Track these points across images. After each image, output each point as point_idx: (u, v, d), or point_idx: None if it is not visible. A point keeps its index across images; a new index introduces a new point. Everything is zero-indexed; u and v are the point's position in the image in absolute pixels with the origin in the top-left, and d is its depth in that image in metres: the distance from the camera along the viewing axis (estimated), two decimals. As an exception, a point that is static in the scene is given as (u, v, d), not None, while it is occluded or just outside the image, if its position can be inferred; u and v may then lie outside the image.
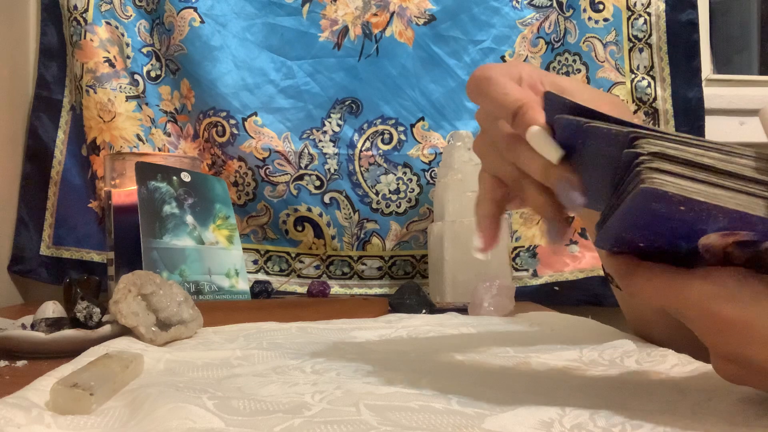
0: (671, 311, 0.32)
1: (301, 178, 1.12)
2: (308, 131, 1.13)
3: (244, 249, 1.06)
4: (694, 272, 0.30)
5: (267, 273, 1.14)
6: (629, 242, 0.32)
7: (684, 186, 0.27)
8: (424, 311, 0.79)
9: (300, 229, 1.13)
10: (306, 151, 1.12)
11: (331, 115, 1.13)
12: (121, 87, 1.12)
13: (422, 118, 1.14)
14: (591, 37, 1.19)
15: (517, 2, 1.14)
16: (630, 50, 1.19)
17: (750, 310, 0.28)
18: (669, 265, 0.31)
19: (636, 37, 1.19)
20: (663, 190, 0.26)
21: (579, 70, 1.18)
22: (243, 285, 0.93)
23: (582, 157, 0.32)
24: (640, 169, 0.27)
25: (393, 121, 1.14)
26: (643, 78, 1.19)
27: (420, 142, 1.14)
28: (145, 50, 1.14)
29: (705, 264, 0.30)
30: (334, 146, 1.13)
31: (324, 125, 1.13)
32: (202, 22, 1.10)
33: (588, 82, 1.18)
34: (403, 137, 1.14)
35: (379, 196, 1.13)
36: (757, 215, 0.26)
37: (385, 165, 1.13)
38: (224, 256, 0.93)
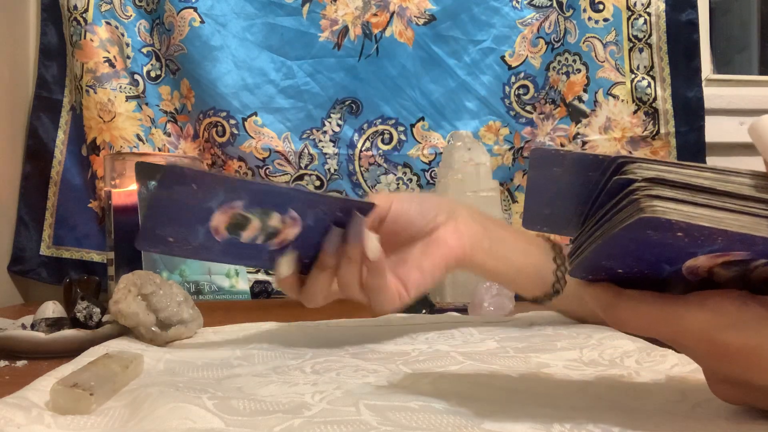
0: (662, 339, 0.31)
1: (301, 178, 1.12)
2: (308, 131, 1.13)
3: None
4: (687, 300, 0.29)
5: (267, 273, 1.14)
6: (607, 270, 0.30)
7: (686, 212, 0.26)
8: (424, 311, 0.79)
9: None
10: (306, 151, 1.12)
11: (331, 115, 1.13)
12: (121, 87, 1.12)
13: (422, 118, 1.14)
14: (591, 37, 1.19)
15: (517, 2, 1.14)
16: (630, 50, 1.19)
17: (754, 336, 0.27)
18: (653, 292, 0.30)
19: (636, 37, 1.19)
20: (665, 218, 0.25)
21: (579, 70, 1.18)
22: (243, 285, 0.93)
23: (547, 188, 0.31)
24: (637, 197, 0.26)
25: (393, 121, 1.14)
26: (643, 78, 1.19)
27: (420, 142, 1.14)
28: (145, 50, 1.14)
29: (685, 285, 0.29)
30: (334, 146, 1.13)
31: (324, 125, 1.13)
32: (202, 22, 1.10)
33: (588, 82, 1.18)
34: (403, 137, 1.14)
35: (379, 196, 1.13)
36: (761, 236, 0.26)
37: (385, 165, 1.13)
38: (224, 256, 0.93)
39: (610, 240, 0.27)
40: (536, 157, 0.31)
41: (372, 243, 0.46)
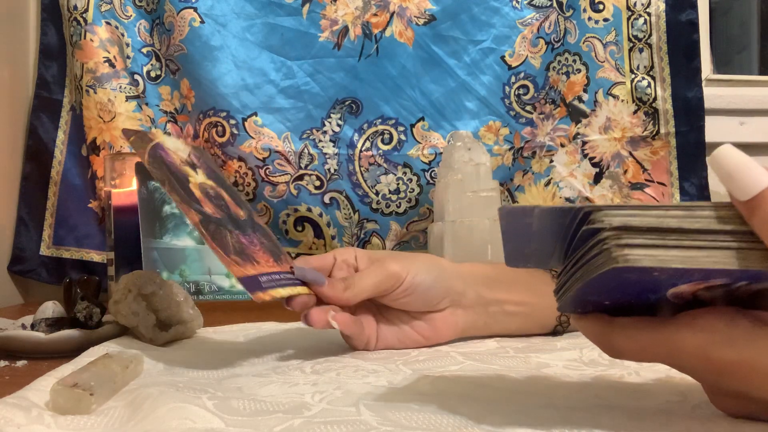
0: (659, 362, 0.31)
1: (301, 178, 1.12)
2: (308, 131, 1.13)
3: (244, 249, 1.06)
4: (678, 321, 0.29)
5: (267, 273, 1.14)
6: (594, 303, 0.31)
7: (658, 256, 0.26)
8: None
9: (300, 229, 1.13)
10: (306, 151, 1.12)
11: (331, 115, 1.13)
12: (121, 87, 1.12)
13: (422, 118, 1.14)
14: (591, 37, 1.19)
15: (517, 2, 1.14)
16: (630, 50, 1.19)
17: (747, 350, 0.27)
18: (644, 317, 0.30)
19: (636, 37, 1.19)
20: (638, 266, 0.26)
21: (579, 70, 1.18)
22: (243, 285, 0.93)
23: (523, 233, 0.32)
24: (607, 246, 0.27)
25: (393, 121, 1.14)
26: (643, 78, 1.19)
27: (420, 142, 1.14)
28: (145, 50, 1.14)
29: (674, 306, 0.30)
30: (334, 146, 1.13)
31: (324, 125, 1.13)
32: (202, 22, 1.10)
33: (588, 82, 1.18)
34: (403, 137, 1.14)
35: (379, 196, 1.13)
36: (735, 268, 0.26)
37: (385, 165, 1.13)
38: (224, 256, 0.93)
39: (590, 282, 0.28)
40: (504, 213, 0.31)
41: None
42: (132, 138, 0.56)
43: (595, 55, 1.19)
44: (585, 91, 1.18)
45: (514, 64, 1.14)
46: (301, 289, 0.50)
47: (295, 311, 0.50)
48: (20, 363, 0.50)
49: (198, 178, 0.55)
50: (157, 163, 0.52)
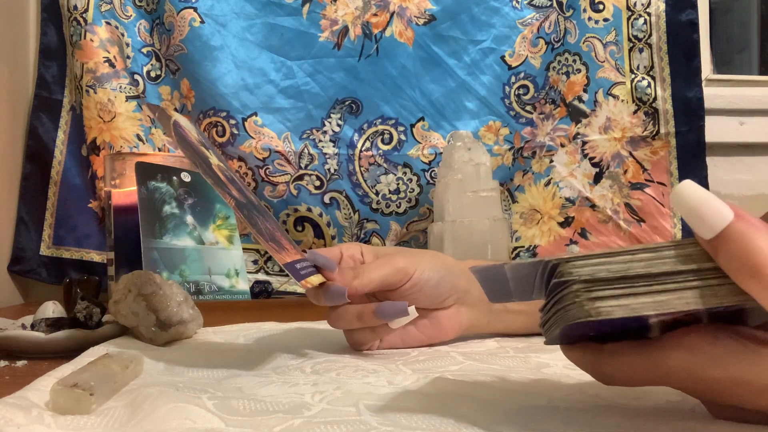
0: (652, 385, 0.31)
1: (301, 178, 1.12)
2: (308, 131, 1.13)
3: (244, 249, 1.06)
4: (663, 343, 0.29)
5: (267, 273, 1.14)
6: (580, 336, 0.31)
7: (630, 305, 0.26)
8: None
9: (300, 229, 1.13)
10: (306, 151, 1.12)
11: (331, 115, 1.13)
12: (121, 87, 1.12)
13: (422, 118, 1.14)
14: (591, 37, 1.19)
15: (517, 2, 1.14)
16: (630, 50, 1.19)
17: (733, 368, 0.27)
18: (631, 342, 0.30)
19: (636, 37, 1.19)
20: (611, 318, 0.26)
21: (579, 70, 1.18)
22: (243, 285, 0.93)
23: (499, 281, 0.32)
24: (579, 300, 0.27)
25: (393, 121, 1.14)
26: (643, 78, 1.19)
27: (420, 142, 1.14)
28: (145, 50, 1.14)
29: (661, 324, 0.30)
30: (334, 146, 1.13)
31: (324, 125, 1.13)
32: (202, 22, 1.10)
33: (588, 83, 1.18)
34: (403, 137, 1.14)
35: (379, 196, 1.13)
36: (707, 307, 0.26)
37: (385, 165, 1.13)
38: (224, 256, 0.93)
39: (571, 326, 0.28)
40: (476, 272, 0.32)
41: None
42: (156, 114, 0.55)
43: (595, 55, 1.19)
44: (585, 91, 1.18)
45: (514, 64, 1.14)
46: (315, 279, 0.50)
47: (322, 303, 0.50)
48: (20, 363, 0.50)
49: (213, 159, 0.54)
50: (183, 143, 0.51)
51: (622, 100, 1.18)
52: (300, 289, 1.12)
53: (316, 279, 0.50)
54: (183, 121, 0.55)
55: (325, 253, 0.53)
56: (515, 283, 0.32)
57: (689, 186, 0.27)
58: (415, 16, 1.13)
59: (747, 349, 0.27)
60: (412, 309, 0.51)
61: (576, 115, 1.19)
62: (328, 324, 0.53)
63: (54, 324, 0.56)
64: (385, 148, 1.13)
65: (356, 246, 0.56)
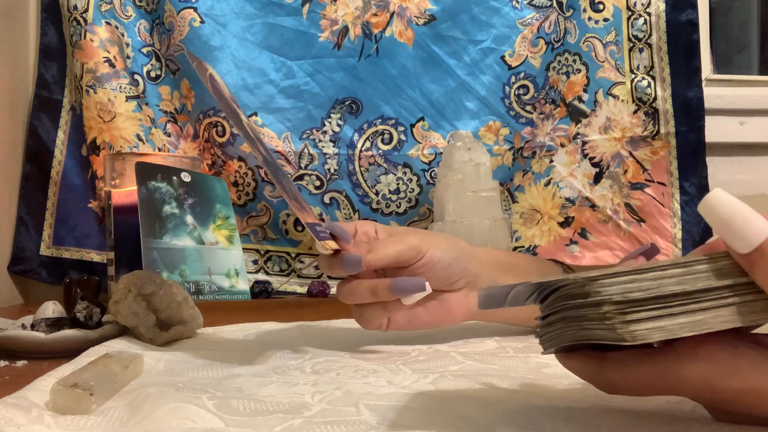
0: (661, 395, 0.30)
1: (301, 178, 1.12)
2: (308, 131, 1.13)
3: (244, 249, 1.06)
4: (678, 352, 0.27)
5: (267, 273, 1.14)
6: (582, 344, 0.30)
7: (667, 327, 0.25)
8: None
9: (300, 229, 1.13)
10: (306, 151, 1.12)
11: (331, 115, 1.13)
12: (121, 87, 1.12)
13: (422, 118, 1.14)
14: (591, 37, 1.19)
15: (517, 2, 1.14)
16: (630, 50, 1.19)
17: (753, 379, 0.26)
18: (637, 350, 0.29)
19: (636, 37, 1.19)
20: (648, 341, 0.25)
21: (579, 70, 1.18)
22: (243, 285, 0.93)
23: (498, 297, 0.32)
24: (612, 323, 0.26)
25: (393, 121, 1.14)
26: (643, 78, 1.19)
27: (420, 142, 1.14)
28: (145, 50, 1.14)
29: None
30: (334, 146, 1.13)
31: (324, 125, 1.13)
32: (202, 22, 1.10)
33: (588, 82, 1.18)
34: (403, 137, 1.14)
35: (379, 196, 1.13)
36: (741, 324, 0.25)
37: (385, 165, 1.13)
38: (224, 256, 0.93)
39: (587, 339, 0.28)
40: (482, 296, 0.33)
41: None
42: (195, 63, 0.56)
43: (595, 55, 1.19)
44: (585, 91, 1.18)
45: (514, 64, 1.14)
46: (332, 244, 0.50)
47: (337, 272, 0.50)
48: (20, 363, 0.50)
49: (243, 117, 0.54)
50: (218, 94, 0.51)
51: (622, 100, 1.18)
52: (300, 289, 1.13)
53: (332, 244, 0.50)
54: (218, 77, 0.56)
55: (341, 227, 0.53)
56: (511, 297, 0.32)
57: (720, 196, 0.25)
58: (415, 16, 1.13)
59: None
60: (428, 285, 0.51)
61: (576, 115, 1.19)
62: (339, 298, 0.53)
63: (54, 324, 0.56)
64: (385, 148, 1.13)
65: (371, 224, 0.56)
